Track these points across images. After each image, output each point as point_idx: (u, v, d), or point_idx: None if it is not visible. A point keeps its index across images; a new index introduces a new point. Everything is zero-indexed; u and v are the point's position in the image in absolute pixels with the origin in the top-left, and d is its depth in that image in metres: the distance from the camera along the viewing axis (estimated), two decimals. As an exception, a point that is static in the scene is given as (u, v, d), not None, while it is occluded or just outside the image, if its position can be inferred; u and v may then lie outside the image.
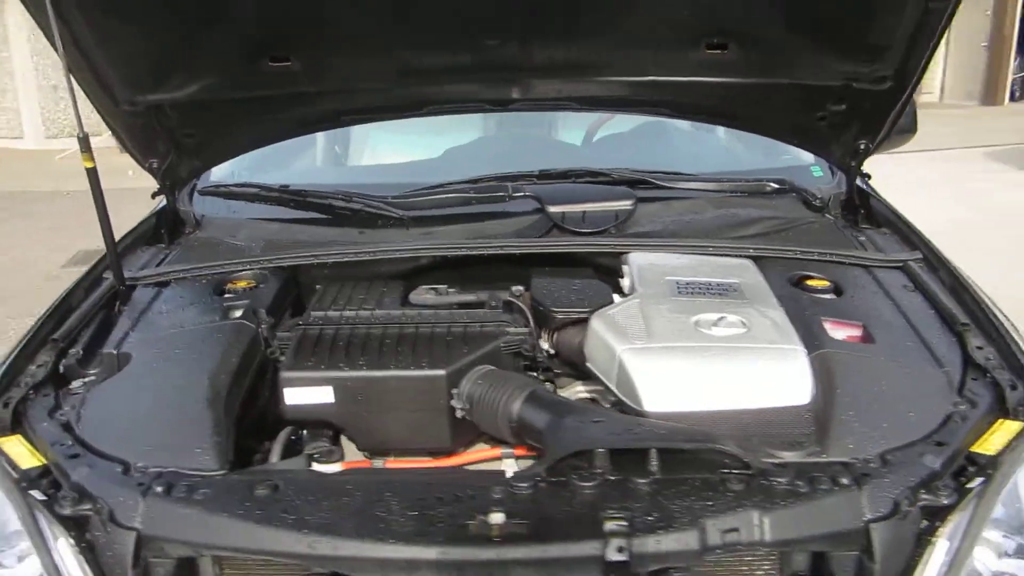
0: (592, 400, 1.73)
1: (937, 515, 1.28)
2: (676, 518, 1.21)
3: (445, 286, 1.88)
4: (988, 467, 1.34)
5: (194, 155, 2.15)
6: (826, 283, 1.82)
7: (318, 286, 1.91)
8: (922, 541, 1.27)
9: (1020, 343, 1.61)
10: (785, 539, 1.23)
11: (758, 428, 1.44)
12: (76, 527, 1.27)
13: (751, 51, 1.85)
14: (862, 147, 2.09)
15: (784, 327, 1.61)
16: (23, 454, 1.41)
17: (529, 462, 1.55)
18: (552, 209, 2.07)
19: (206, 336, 1.68)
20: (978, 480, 1.32)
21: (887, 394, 1.49)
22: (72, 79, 1.69)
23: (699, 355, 1.54)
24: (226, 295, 1.86)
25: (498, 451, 1.63)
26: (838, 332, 1.66)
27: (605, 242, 1.97)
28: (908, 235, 2.06)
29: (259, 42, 1.87)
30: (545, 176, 2.21)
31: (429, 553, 1.18)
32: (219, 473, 1.34)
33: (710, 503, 1.25)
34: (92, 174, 1.75)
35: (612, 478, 1.30)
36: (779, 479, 1.28)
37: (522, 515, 1.22)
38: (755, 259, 1.91)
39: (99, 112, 1.92)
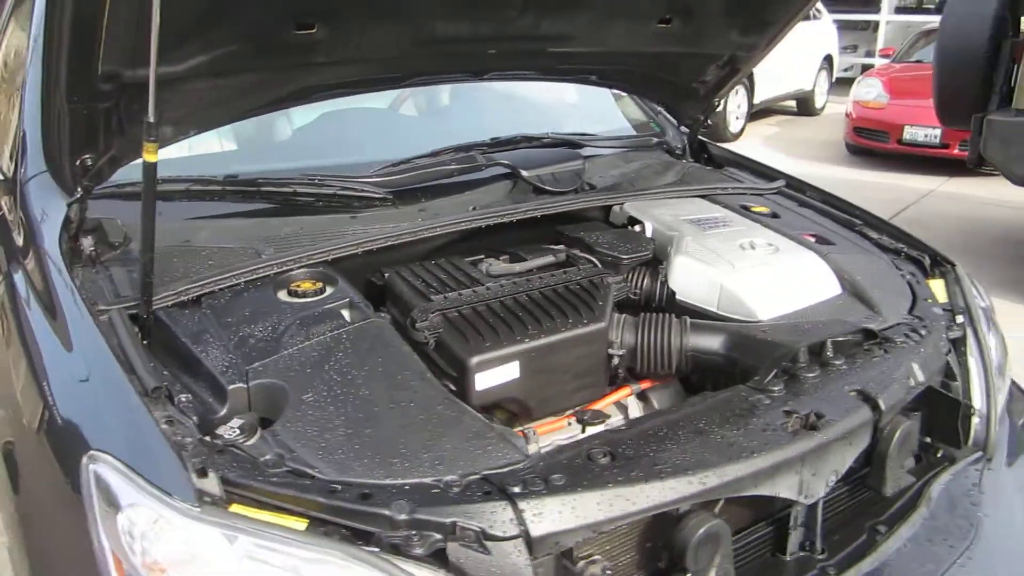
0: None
1: (957, 344, 1.91)
2: (893, 374, 1.62)
3: (504, 255, 1.95)
4: (955, 309, 2.00)
5: (136, 143, 1.80)
6: (767, 209, 2.33)
7: (385, 274, 1.81)
8: (960, 362, 1.88)
9: (898, 226, 2.31)
10: (931, 375, 1.72)
11: (832, 313, 1.88)
12: (438, 562, 1.19)
13: (688, 25, 2.24)
14: (715, 103, 2.64)
15: (793, 241, 2.08)
16: (289, 520, 1.20)
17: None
18: (527, 174, 2.22)
19: (354, 343, 1.53)
20: (959, 317, 1.98)
21: (877, 275, 2.05)
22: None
23: (769, 270, 1.93)
24: (305, 298, 1.67)
25: (627, 389, 1.82)
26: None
27: (602, 196, 2.19)
28: (757, 169, 2.68)
29: (286, 7, 1.69)
30: (496, 144, 2.32)
31: (781, 455, 1.39)
32: (534, 460, 1.33)
33: (896, 366, 1.67)
34: (150, 172, 1.43)
35: (823, 366, 1.63)
36: (897, 338, 1.76)
37: (809, 406, 1.50)
38: (701, 197, 2.34)
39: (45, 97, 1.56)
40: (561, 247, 2.02)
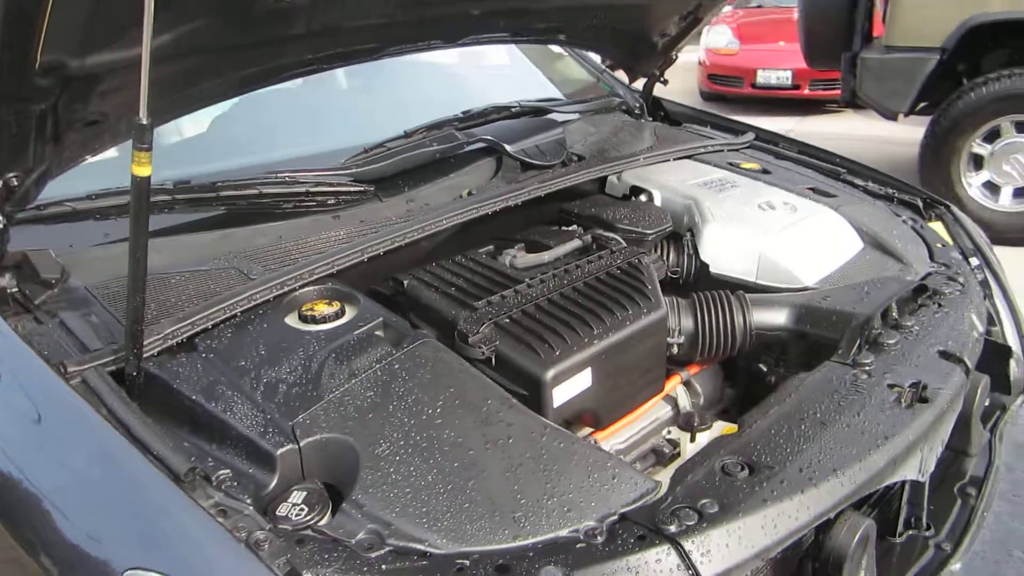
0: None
1: (982, 286, 1.88)
2: (960, 326, 1.56)
3: (519, 244, 1.73)
4: (965, 251, 1.97)
5: (73, 150, 1.43)
6: (758, 165, 2.21)
7: (404, 281, 1.55)
8: (991, 305, 1.85)
9: (879, 170, 2.27)
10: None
11: (866, 270, 1.80)
12: None
13: None
14: (673, 57, 2.50)
15: (804, 199, 1.97)
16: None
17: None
18: (512, 149, 1.99)
19: (413, 373, 1.27)
20: (974, 260, 1.95)
21: (887, 225, 1.99)
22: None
23: (803, 230, 1.81)
24: (327, 323, 1.38)
25: (677, 377, 1.65)
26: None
27: (613, 164, 2.00)
28: (721, 123, 2.56)
29: None
30: (468, 118, 2.07)
31: (911, 434, 1.28)
32: (671, 487, 1.15)
33: (959, 319, 1.60)
34: (141, 189, 1.11)
35: (897, 328, 1.53)
36: (948, 289, 1.69)
37: (909, 375, 1.39)
38: (688, 158, 2.20)
39: None
40: (579, 229, 1.82)
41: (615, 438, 1.51)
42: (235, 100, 2.28)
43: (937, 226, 2.09)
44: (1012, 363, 1.72)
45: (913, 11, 4.95)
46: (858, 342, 1.47)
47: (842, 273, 1.76)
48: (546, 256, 1.67)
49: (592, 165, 2.00)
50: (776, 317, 1.60)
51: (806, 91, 8.13)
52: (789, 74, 8.14)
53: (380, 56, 1.84)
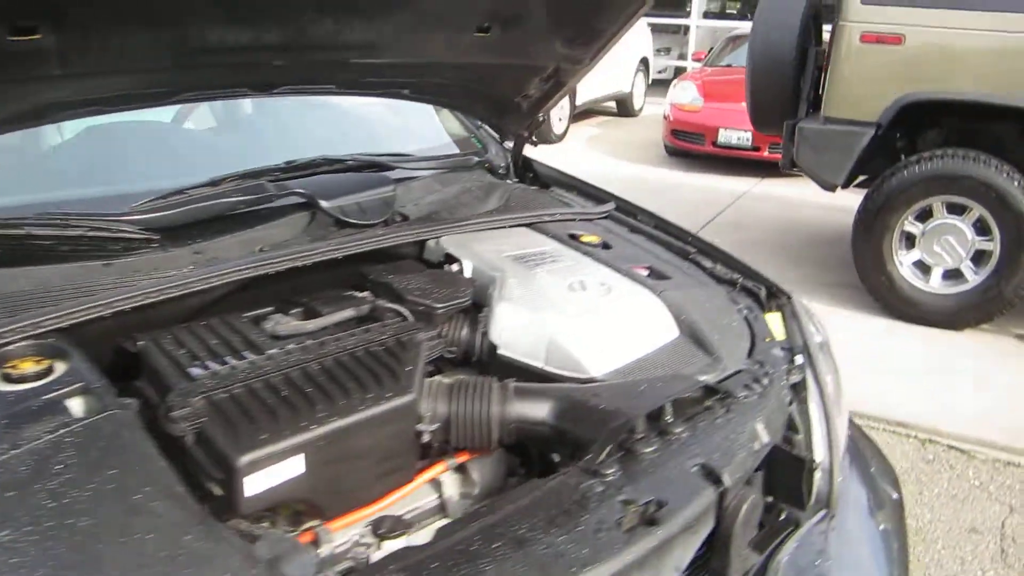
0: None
1: (796, 388, 1.77)
2: (737, 439, 1.43)
3: (295, 310, 1.62)
4: (794, 349, 1.88)
5: None
6: (597, 238, 2.12)
7: (139, 342, 1.44)
8: (801, 410, 1.75)
9: (731, 254, 2.18)
10: (775, 432, 1.56)
11: (669, 364, 1.70)
12: None
13: (509, 34, 1.99)
14: (540, 118, 2.43)
15: (625, 278, 1.88)
16: None
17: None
18: (326, 204, 1.89)
19: (81, 449, 1.15)
20: (798, 358, 1.85)
21: (715, 313, 1.90)
22: None
23: (606, 314, 1.71)
24: (24, 383, 1.27)
25: (442, 465, 1.54)
26: (640, 275, 2.00)
27: (411, 231, 1.90)
28: (584, 189, 2.48)
29: None
30: (291, 169, 1.98)
31: (616, 564, 1.16)
32: None
33: (739, 428, 1.49)
34: None
35: (662, 435, 1.43)
36: (741, 395, 1.59)
37: (650, 491, 1.28)
38: (526, 227, 2.11)
39: None
40: (366, 295, 1.72)
41: (356, 529, 1.39)
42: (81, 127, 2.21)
43: (775, 318, 2.00)
44: (810, 475, 1.61)
45: (849, 85, 4.95)
46: (609, 448, 1.37)
47: (641, 364, 1.66)
48: (310, 325, 1.56)
49: (408, 228, 1.91)
50: (538, 411, 1.49)
51: (765, 153, 8.13)
52: (749, 135, 8.14)
53: (176, 101, 1.75)
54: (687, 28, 14.89)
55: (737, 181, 8.21)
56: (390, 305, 1.65)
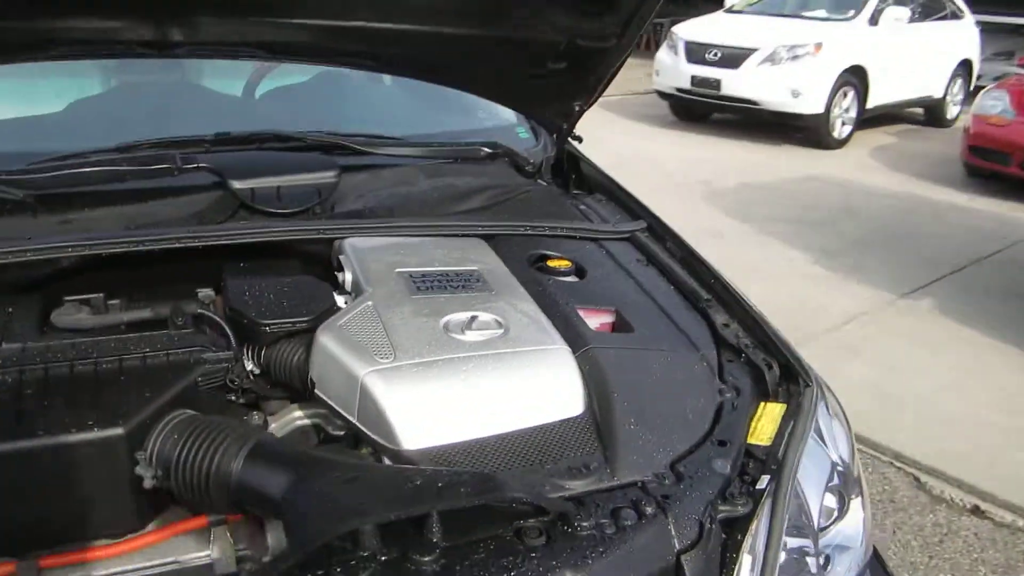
0: (317, 430, 1.39)
1: (736, 526, 1.18)
2: None
3: (102, 296, 1.39)
4: (770, 462, 1.27)
5: None
6: (568, 263, 1.65)
7: None
8: (727, 560, 1.16)
9: (757, 312, 1.58)
10: None
11: (536, 452, 1.22)
12: None
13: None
14: (576, 108, 1.96)
15: (542, 323, 1.41)
16: None
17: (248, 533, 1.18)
18: (237, 185, 1.64)
19: None
20: (765, 478, 1.25)
21: (661, 391, 1.36)
22: None
23: (459, 370, 1.27)
24: None
25: (203, 520, 1.22)
26: (593, 320, 1.50)
27: (311, 226, 1.60)
28: (626, 202, 1.98)
29: None
30: (222, 142, 1.75)
31: None
32: None
33: (512, 572, 1.01)
34: None
35: (385, 558, 1.00)
36: (583, 523, 1.08)
37: None
38: (485, 237, 1.69)
39: None
40: (208, 293, 1.45)
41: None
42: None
43: (775, 410, 1.39)
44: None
45: None
46: (298, 560, 0.96)
47: (484, 446, 1.20)
48: (87, 320, 1.32)
49: (318, 223, 1.60)
50: (272, 484, 1.11)
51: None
52: (1069, 160, 6.54)
53: (171, 55, 1.61)
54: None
55: (1044, 215, 6.65)
56: (206, 313, 1.36)
